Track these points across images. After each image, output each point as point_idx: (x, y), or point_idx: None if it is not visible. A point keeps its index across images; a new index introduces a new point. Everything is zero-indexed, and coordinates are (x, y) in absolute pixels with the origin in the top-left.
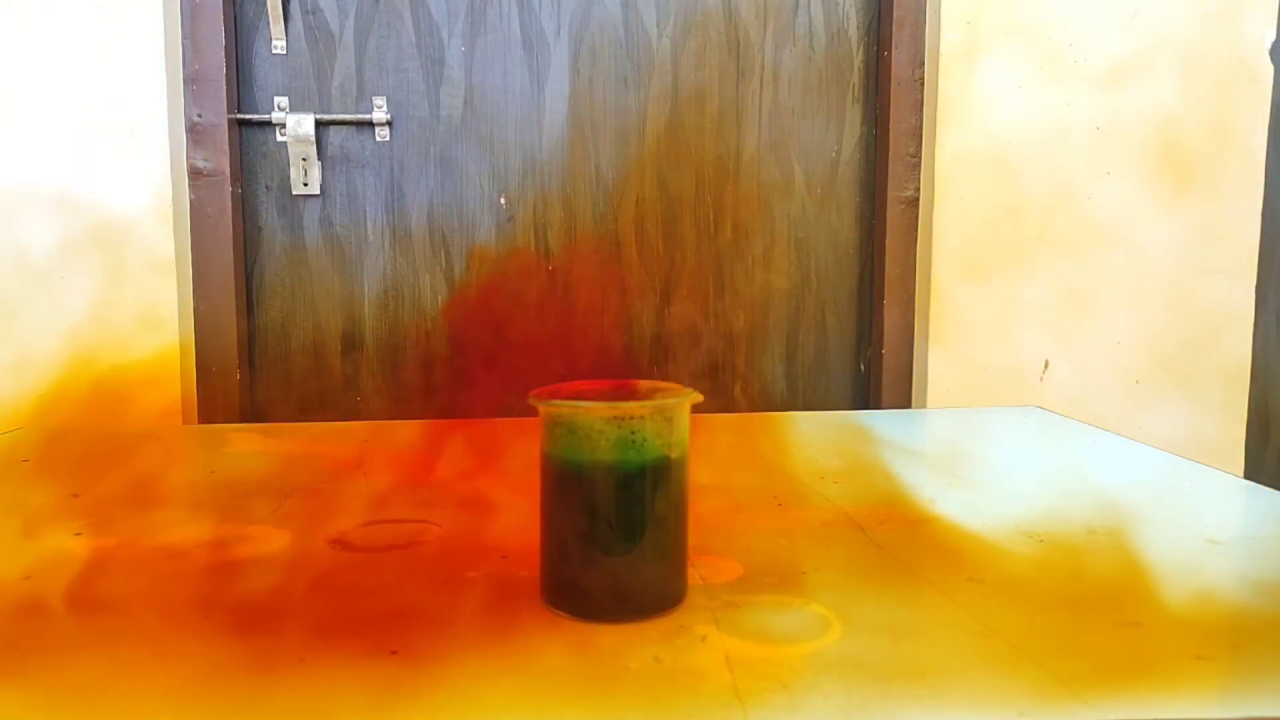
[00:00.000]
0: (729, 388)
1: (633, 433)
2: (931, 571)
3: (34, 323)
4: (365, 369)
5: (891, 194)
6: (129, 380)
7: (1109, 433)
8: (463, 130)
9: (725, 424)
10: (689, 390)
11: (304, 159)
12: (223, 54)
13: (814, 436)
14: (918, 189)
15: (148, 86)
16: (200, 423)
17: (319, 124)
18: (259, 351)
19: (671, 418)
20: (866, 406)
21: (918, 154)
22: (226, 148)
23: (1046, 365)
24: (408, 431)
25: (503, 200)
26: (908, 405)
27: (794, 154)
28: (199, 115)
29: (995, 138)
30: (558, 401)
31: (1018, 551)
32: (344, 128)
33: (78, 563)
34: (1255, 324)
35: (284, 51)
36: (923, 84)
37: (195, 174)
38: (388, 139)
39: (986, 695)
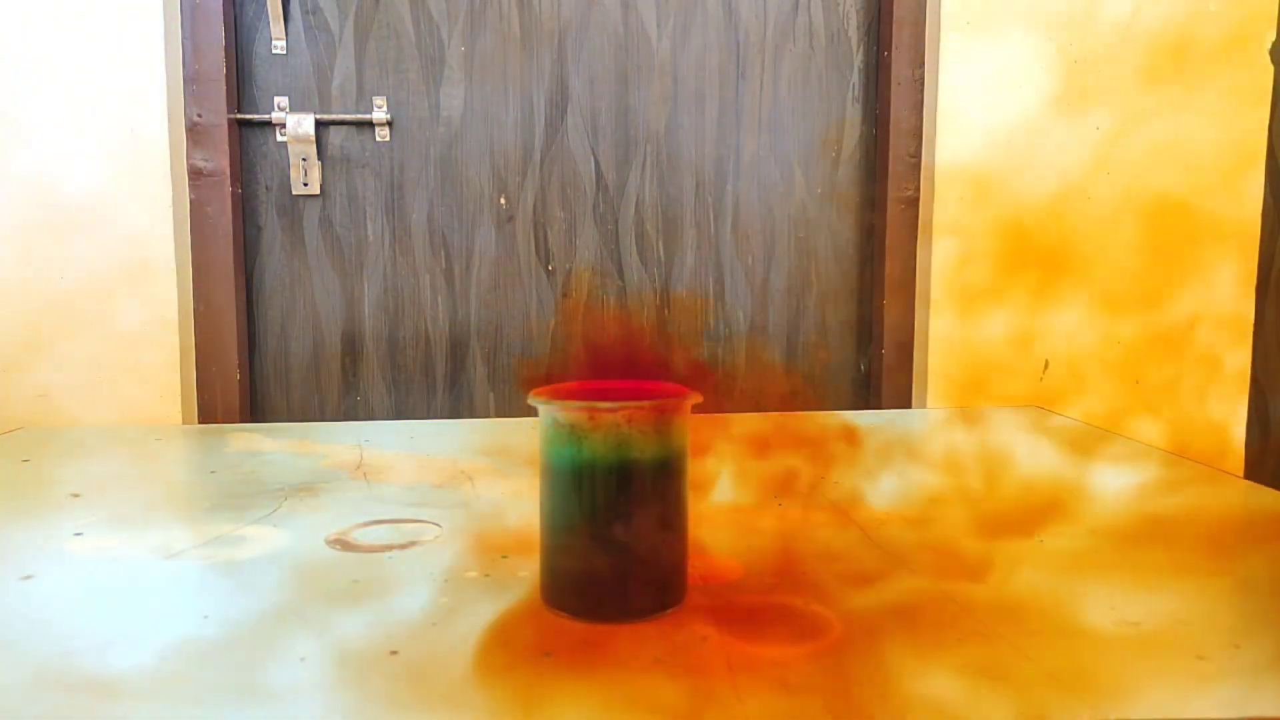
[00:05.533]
0: (729, 388)
1: (633, 433)
2: (932, 571)
3: (32, 322)
4: (365, 369)
5: (891, 194)
6: (129, 380)
7: (1109, 433)
8: (463, 130)
9: (725, 424)
10: (689, 390)
11: (304, 159)
12: (223, 54)
13: (814, 436)
14: (918, 189)
15: (148, 86)
16: (200, 423)
17: (319, 124)
18: (259, 351)
19: (671, 418)
20: (866, 406)
21: (918, 154)
22: (226, 148)
23: (1046, 365)
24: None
25: (503, 200)
26: (908, 405)
27: (794, 154)
28: (199, 115)
29: (995, 137)
30: (558, 402)
31: (1018, 552)
32: (344, 128)
33: (78, 563)
34: (1255, 324)
35: (284, 51)
36: (923, 84)
37: (195, 174)
38: (388, 139)
39: (986, 695)
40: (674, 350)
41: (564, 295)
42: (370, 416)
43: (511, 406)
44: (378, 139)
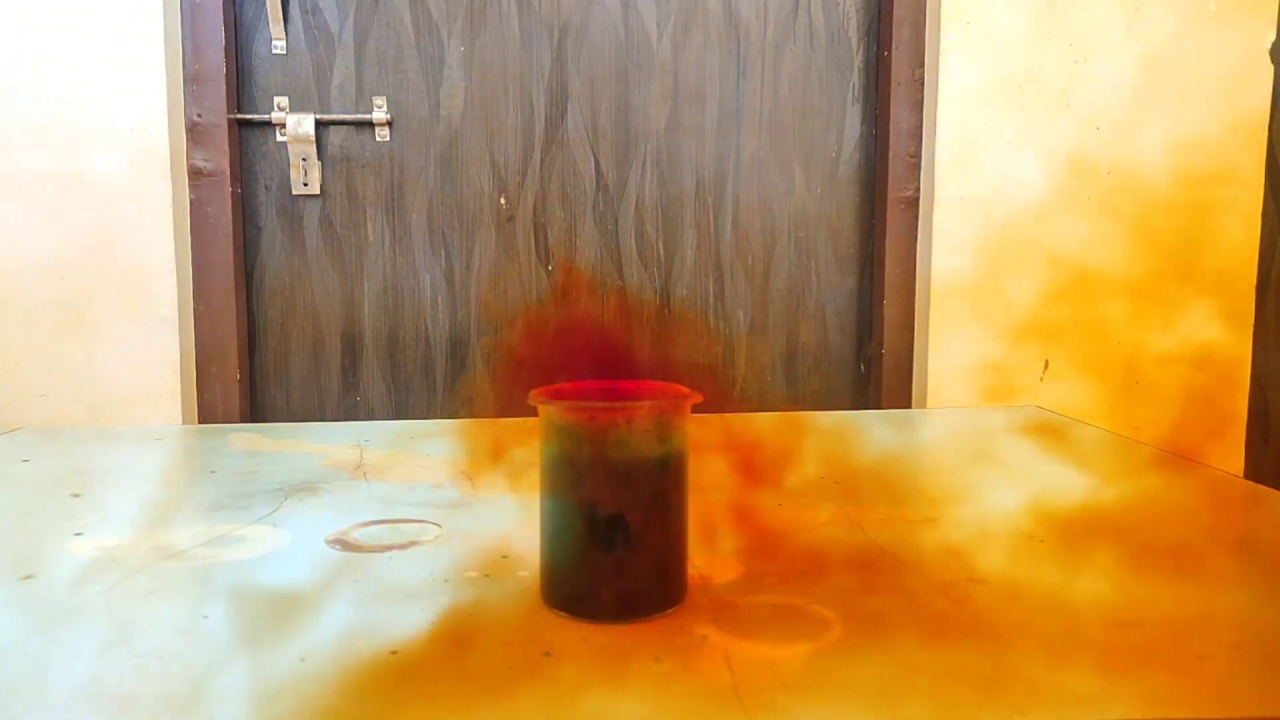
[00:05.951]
0: (729, 387)
1: (633, 433)
2: (931, 571)
3: (33, 322)
4: (365, 369)
5: (891, 194)
6: (129, 380)
7: (1109, 432)
8: (463, 130)
9: (725, 424)
10: (689, 390)
11: (304, 159)
12: (223, 54)
13: (814, 436)
14: (918, 189)
15: (148, 86)
16: (200, 423)
17: (319, 124)
18: (259, 351)
19: (671, 418)
20: (866, 406)
21: (918, 154)
22: (226, 148)
23: (1046, 365)
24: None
25: (503, 200)
26: (908, 405)
27: (794, 154)
28: (199, 115)
29: (995, 137)
30: (558, 402)
31: (1018, 551)
32: (344, 128)
33: (78, 563)
34: (1255, 324)
35: (284, 51)
36: (923, 84)
37: (195, 174)
38: (388, 139)
39: (986, 695)
40: (673, 349)
41: (562, 293)
42: (370, 416)
43: (510, 406)
44: (378, 139)
